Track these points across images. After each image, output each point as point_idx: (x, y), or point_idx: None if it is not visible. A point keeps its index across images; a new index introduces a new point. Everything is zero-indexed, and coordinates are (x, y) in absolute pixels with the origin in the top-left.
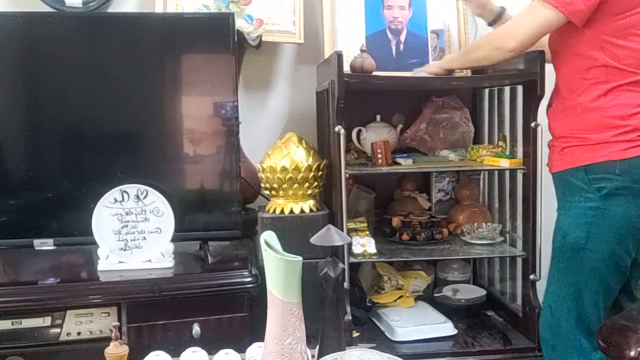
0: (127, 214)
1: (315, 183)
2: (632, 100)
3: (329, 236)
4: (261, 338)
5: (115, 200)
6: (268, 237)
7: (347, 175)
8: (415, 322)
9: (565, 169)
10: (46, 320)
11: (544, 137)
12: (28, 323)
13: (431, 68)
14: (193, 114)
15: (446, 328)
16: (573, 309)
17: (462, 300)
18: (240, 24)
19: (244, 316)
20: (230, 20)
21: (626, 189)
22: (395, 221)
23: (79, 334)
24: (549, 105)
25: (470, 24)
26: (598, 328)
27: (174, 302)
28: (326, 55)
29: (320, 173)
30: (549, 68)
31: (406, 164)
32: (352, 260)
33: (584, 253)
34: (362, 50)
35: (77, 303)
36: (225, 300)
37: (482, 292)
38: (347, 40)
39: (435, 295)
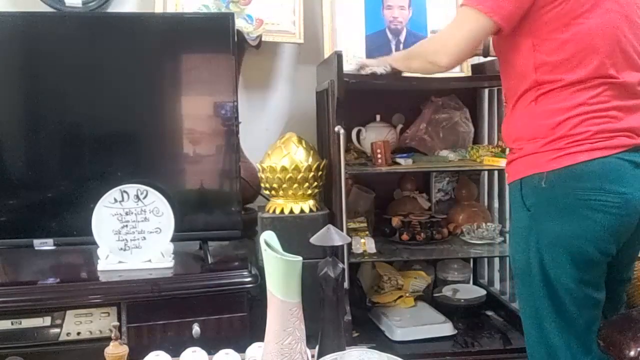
0: (127, 214)
1: (315, 183)
2: (560, 104)
3: (329, 236)
4: (261, 338)
5: (115, 200)
6: (268, 237)
7: (347, 175)
8: (415, 322)
9: (510, 182)
10: (46, 320)
11: None
12: (28, 323)
13: (378, 62)
14: (193, 114)
15: (446, 328)
16: (542, 341)
17: (462, 300)
18: (240, 24)
19: (244, 316)
20: (230, 20)
21: (553, 205)
22: (395, 221)
23: (78, 334)
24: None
25: None
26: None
27: (174, 302)
28: (326, 55)
29: (320, 173)
30: None
31: (406, 164)
32: (352, 260)
33: (532, 279)
34: None
35: (77, 303)
36: (225, 300)
37: (481, 292)
38: (347, 40)
39: (435, 295)
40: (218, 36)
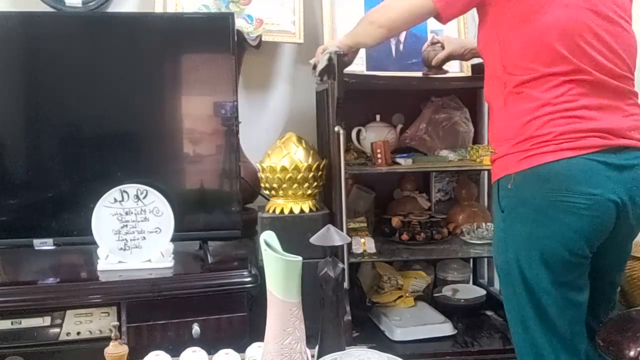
0: (126, 213)
1: (315, 183)
2: (526, 105)
3: (329, 236)
4: (261, 338)
5: (115, 200)
6: (268, 237)
7: (347, 175)
8: (414, 322)
9: (492, 183)
10: (46, 320)
11: None
12: (28, 323)
13: (336, 43)
14: (193, 114)
15: (446, 328)
16: (528, 341)
17: (462, 300)
18: (240, 23)
19: (244, 316)
20: (230, 20)
21: (523, 206)
22: (395, 221)
23: (78, 333)
24: None
25: (470, 25)
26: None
27: (174, 302)
28: None
29: (320, 173)
30: None
31: (406, 163)
32: (352, 260)
33: (512, 279)
34: (433, 43)
35: (76, 303)
36: (225, 300)
37: (481, 292)
38: None
39: (435, 295)
40: (218, 36)
